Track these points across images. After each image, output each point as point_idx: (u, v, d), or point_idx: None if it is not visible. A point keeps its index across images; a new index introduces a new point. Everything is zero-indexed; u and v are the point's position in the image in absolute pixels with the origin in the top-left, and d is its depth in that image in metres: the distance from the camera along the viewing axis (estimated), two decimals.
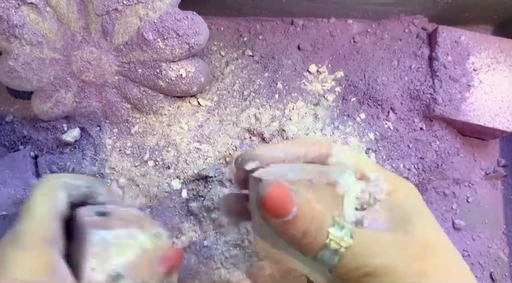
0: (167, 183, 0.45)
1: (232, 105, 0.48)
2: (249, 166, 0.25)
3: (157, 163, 0.46)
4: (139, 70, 0.43)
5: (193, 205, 0.45)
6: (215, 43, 0.52)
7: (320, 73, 0.50)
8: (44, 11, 0.41)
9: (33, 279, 0.21)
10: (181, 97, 0.48)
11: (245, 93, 0.48)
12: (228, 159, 0.46)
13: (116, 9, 0.40)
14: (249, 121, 0.47)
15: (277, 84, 0.48)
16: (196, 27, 0.42)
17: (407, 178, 0.46)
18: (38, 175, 0.45)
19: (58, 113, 0.46)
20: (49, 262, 0.22)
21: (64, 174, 0.27)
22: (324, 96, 0.49)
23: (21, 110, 0.49)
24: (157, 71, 0.43)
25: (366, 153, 0.46)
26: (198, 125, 0.47)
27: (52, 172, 0.45)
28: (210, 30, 0.44)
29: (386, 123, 0.47)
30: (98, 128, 0.47)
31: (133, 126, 0.47)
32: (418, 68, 0.48)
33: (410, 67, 0.48)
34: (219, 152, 0.46)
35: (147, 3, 0.40)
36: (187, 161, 0.45)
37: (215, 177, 0.44)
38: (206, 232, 0.44)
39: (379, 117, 0.47)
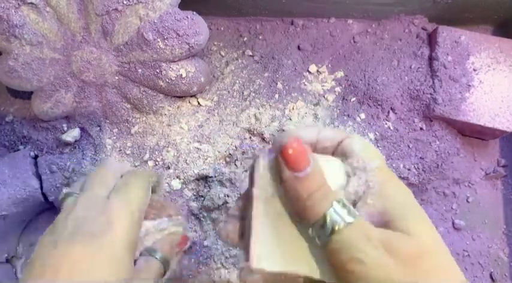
0: (167, 183, 0.45)
1: (232, 105, 0.48)
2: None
3: (157, 163, 0.46)
4: (140, 70, 0.43)
5: (193, 205, 0.45)
6: (215, 43, 0.52)
7: (320, 73, 0.50)
8: (44, 11, 0.41)
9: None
10: (181, 97, 0.48)
11: (245, 93, 0.48)
12: (228, 159, 0.46)
13: (116, 9, 0.40)
14: (249, 121, 0.47)
15: (277, 84, 0.48)
16: (196, 27, 0.42)
17: (407, 178, 0.46)
18: (37, 175, 0.45)
19: (58, 113, 0.46)
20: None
21: (148, 171, 0.30)
22: (324, 96, 0.49)
23: (21, 110, 0.49)
24: (157, 71, 0.43)
25: None
26: (198, 125, 0.47)
27: (52, 172, 0.45)
28: (210, 30, 0.44)
29: (386, 123, 0.47)
30: (98, 128, 0.47)
31: (134, 126, 0.47)
32: (418, 68, 0.48)
33: (410, 67, 0.48)
34: (219, 152, 0.46)
35: (147, 3, 0.40)
36: (187, 161, 0.45)
37: (215, 177, 0.44)
38: (206, 232, 0.44)
39: (379, 117, 0.47)
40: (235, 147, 0.46)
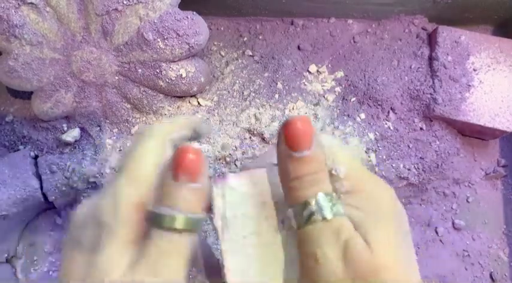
0: None
1: (232, 105, 0.48)
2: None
3: None
4: (140, 70, 0.43)
5: None
6: (215, 43, 0.52)
7: (320, 73, 0.50)
8: (44, 11, 0.41)
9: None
10: (181, 97, 0.48)
11: (245, 93, 0.48)
12: (228, 159, 0.46)
13: (116, 9, 0.40)
14: (249, 121, 0.47)
15: (277, 84, 0.48)
16: (196, 27, 0.42)
17: (407, 178, 0.46)
18: (37, 175, 0.45)
19: (58, 113, 0.46)
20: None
21: (170, 124, 0.24)
22: (324, 96, 0.49)
23: (21, 110, 0.49)
24: (157, 71, 0.43)
25: (366, 153, 0.46)
26: (202, 119, 0.47)
27: (52, 172, 0.45)
28: (210, 30, 0.44)
29: (386, 123, 0.47)
30: (98, 128, 0.47)
31: (134, 126, 0.47)
32: (418, 68, 0.48)
33: (410, 67, 0.48)
34: (219, 152, 0.46)
35: (147, 3, 0.40)
36: None
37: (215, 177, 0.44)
38: (206, 232, 0.44)
39: (379, 117, 0.47)
40: (235, 147, 0.46)
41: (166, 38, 0.41)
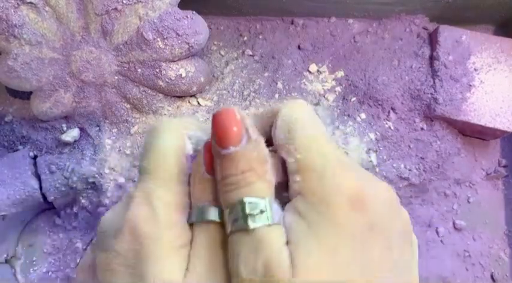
0: None
1: (232, 105, 0.48)
2: None
3: None
4: (139, 70, 0.43)
5: None
6: (215, 43, 0.52)
7: (320, 73, 0.50)
8: (43, 11, 0.40)
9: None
10: (181, 97, 0.47)
11: (245, 93, 0.48)
12: None
13: (116, 8, 0.40)
14: None
15: (277, 84, 0.48)
16: (196, 26, 0.41)
17: (408, 178, 0.46)
18: (37, 175, 0.45)
19: (57, 113, 0.46)
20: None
21: (186, 120, 0.22)
22: (324, 96, 0.48)
23: (21, 110, 0.49)
24: (157, 70, 0.43)
25: (367, 153, 0.46)
26: None
27: (51, 172, 0.45)
28: (209, 30, 0.44)
29: (386, 123, 0.47)
30: (97, 128, 0.47)
31: (133, 126, 0.47)
32: (419, 67, 0.47)
33: (411, 67, 0.48)
34: None
35: (146, 2, 0.40)
36: None
37: None
38: None
39: (380, 117, 0.47)
40: None
41: (166, 37, 0.41)
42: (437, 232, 0.49)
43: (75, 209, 0.47)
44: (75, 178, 0.45)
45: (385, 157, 0.46)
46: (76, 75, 0.44)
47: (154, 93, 0.45)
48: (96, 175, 0.45)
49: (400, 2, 0.48)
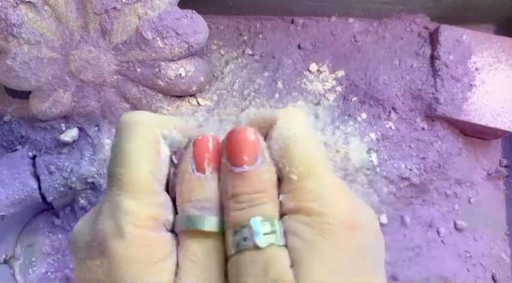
0: None
1: (232, 105, 0.48)
2: None
3: None
4: (138, 69, 0.43)
5: None
6: (215, 42, 0.51)
7: (321, 72, 0.49)
8: (42, 10, 0.40)
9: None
10: (181, 97, 0.47)
11: (245, 92, 0.48)
12: None
13: (115, 8, 0.40)
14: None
15: (277, 83, 0.48)
16: (196, 26, 0.41)
17: (408, 178, 0.46)
18: (36, 175, 0.45)
19: (56, 113, 0.46)
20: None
21: (161, 116, 0.20)
22: (324, 96, 0.48)
23: (19, 110, 0.49)
24: (157, 70, 0.43)
25: (367, 153, 0.46)
26: (198, 124, 0.47)
27: (50, 172, 0.45)
28: (209, 29, 0.44)
29: (387, 123, 0.47)
30: (97, 128, 0.47)
31: None
32: (420, 67, 0.47)
33: (412, 66, 0.47)
34: None
35: (146, 1, 0.40)
36: None
37: None
38: None
39: (381, 116, 0.47)
40: None
41: (166, 37, 0.41)
42: (438, 233, 0.48)
43: (74, 209, 0.47)
44: (74, 179, 0.44)
45: (385, 157, 0.46)
46: (75, 75, 0.44)
47: (153, 93, 0.45)
48: (96, 176, 0.45)
49: (401, 1, 0.48)
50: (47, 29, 0.41)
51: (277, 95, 0.48)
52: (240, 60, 0.50)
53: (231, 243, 0.17)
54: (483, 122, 0.45)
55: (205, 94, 0.48)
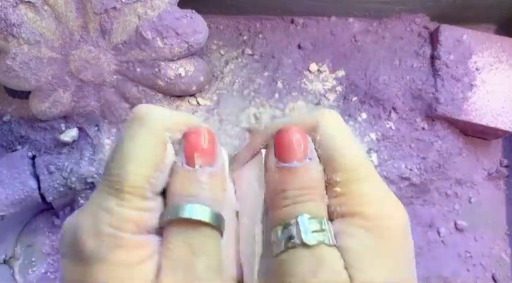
0: None
1: (231, 105, 0.48)
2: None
3: None
4: (138, 69, 0.43)
5: None
6: (214, 42, 0.51)
7: (321, 72, 0.49)
8: (41, 10, 0.40)
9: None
10: (180, 96, 0.47)
11: (245, 92, 0.48)
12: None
13: (115, 7, 0.40)
14: (249, 121, 0.46)
15: (277, 83, 0.48)
16: (196, 25, 0.41)
17: (409, 178, 0.46)
18: (35, 175, 0.45)
19: (56, 113, 0.45)
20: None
21: (172, 117, 0.19)
22: (324, 96, 0.48)
23: (19, 110, 0.49)
24: (156, 70, 0.43)
25: (368, 153, 0.46)
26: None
27: (50, 172, 0.45)
28: (209, 29, 0.44)
29: (388, 123, 0.47)
30: (96, 128, 0.47)
31: None
32: (420, 67, 0.47)
33: (412, 66, 0.47)
34: None
35: (145, 1, 0.40)
36: None
37: None
38: None
39: (381, 116, 0.47)
40: (235, 147, 0.45)
41: (165, 36, 0.41)
42: (438, 233, 0.48)
43: (74, 209, 0.47)
44: (73, 179, 0.44)
45: (386, 157, 0.46)
46: (75, 75, 0.44)
47: (153, 93, 0.45)
48: (95, 176, 0.45)
49: (401, 1, 0.48)
50: (46, 29, 0.41)
51: (277, 95, 0.48)
52: (240, 60, 0.50)
53: (277, 240, 0.17)
54: (483, 122, 0.45)
55: (205, 94, 0.48)
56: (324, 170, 0.18)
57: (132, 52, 0.42)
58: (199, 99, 0.48)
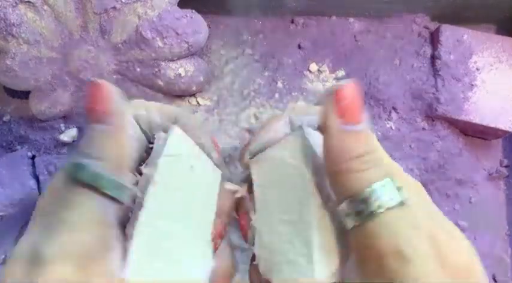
0: None
1: (231, 105, 0.48)
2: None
3: None
4: (138, 69, 0.43)
5: None
6: (214, 42, 0.51)
7: (321, 72, 0.49)
8: (41, 10, 0.40)
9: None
10: (180, 96, 0.47)
11: (245, 92, 0.48)
12: (227, 159, 0.45)
13: (114, 7, 0.40)
14: (249, 121, 0.46)
15: (277, 83, 0.48)
16: (196, 25, 0.41)
17: None
18: (35, 175, 0.45)
19: (56, 113, 0.45)
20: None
21: (146, 104, 0.21)
22: None
23: (19, 110, 0.48)
24: (156, 70, 0.43)
25: None
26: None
27: (50, 172, 0.44)
28: (209, 29, 0.44)
29: (388, 123, 0.47)
30: None
31: None
32: (420, 67, 0.47)
33: (413, 66, 0.47)
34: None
35: (145, 1, 0.40)
36: None
37: None
38: None
39: (381, 116, 0.47)
40: (235, 147, 0.45)
41: (165, 36, 0.41)
42: None
43: None
44: None
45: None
46: (74, 75, 0.44)
47: (153, 93, 0.45)
48: None
49: (401, 1, 0.48)
50: (46, 29, 0.41)
51: (277, 95, 0.48)
52: (240, 59, 0.50)
53: (364, 207, 0.16)
54: (484, 122, 0.45)
55: (205, 94, 0.48)
56: None
57: (132, 52, 0.42)
58: (199, 99, 0.48)
